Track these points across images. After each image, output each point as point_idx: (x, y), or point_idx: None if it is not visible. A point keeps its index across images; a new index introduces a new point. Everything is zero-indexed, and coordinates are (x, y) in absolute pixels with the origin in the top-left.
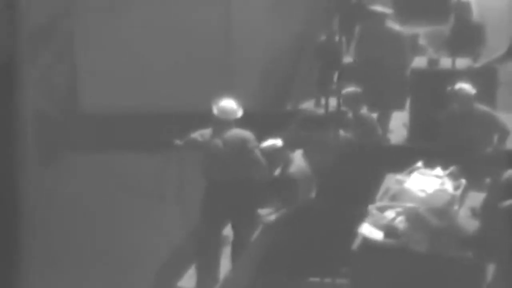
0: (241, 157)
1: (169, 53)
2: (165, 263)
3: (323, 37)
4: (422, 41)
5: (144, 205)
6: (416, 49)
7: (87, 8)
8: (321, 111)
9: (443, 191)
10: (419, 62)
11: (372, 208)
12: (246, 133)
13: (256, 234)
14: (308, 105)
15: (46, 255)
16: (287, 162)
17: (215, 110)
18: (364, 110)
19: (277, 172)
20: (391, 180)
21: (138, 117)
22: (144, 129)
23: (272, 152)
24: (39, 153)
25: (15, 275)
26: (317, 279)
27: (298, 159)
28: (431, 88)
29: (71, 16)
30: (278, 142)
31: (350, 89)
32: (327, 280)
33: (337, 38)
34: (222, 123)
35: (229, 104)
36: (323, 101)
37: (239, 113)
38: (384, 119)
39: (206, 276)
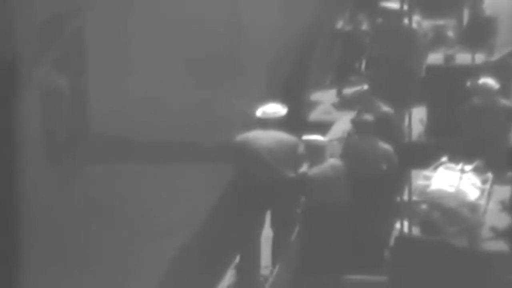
0: (284, 158)
1: (179, 52)
2: (171, 264)
3: (348, 26)
4: (450, 33)
5: (147, 206)
6: (444, 41)
7: (97, 7)
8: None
9: (472, 185)
10: (435, 58)
11: (408, 203)
12: (288, 136)
13: (295, 232)
14: (324, 95)
15: (46, 255)
16: (321, 160)
17: (259, 113)
18: (386, 108)
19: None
20: (417, 176)
21: (144, 116)
22: (148, 131)
23: (313, 147)
24: (42, 156)
25: (15, 275)
26: (356, 277)
27: (332, 159)
28: (447, 84)
29: (80, 16)
30: (321, 139)
31: (357, 88)
32: (366, 277)
33: (363, 27)
34: (266, 124)
35: (273, 107)
36: (344, 91)
37: (282, 113)
38: (399, 116)
39: (246, 278)
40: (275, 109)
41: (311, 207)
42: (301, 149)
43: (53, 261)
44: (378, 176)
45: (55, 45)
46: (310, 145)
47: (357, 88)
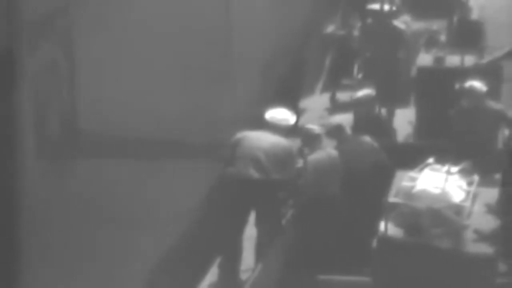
0: (276, 160)
1: (170, 51)
2: (158, 261)
3: (341, 31)
4: (442, 38)
5: (136, 203)
6: (437, 45)
7: (86, 5)
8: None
9: (457, 187)
10: (425, 59)
11: (385, 202)
12: (285, 141)
13: (279, 232)
14: (313, 102)
15: (44, 255)
16: (317, 148)
17: (268, 117)
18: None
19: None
20: (403, 177)
21: (134, 114)
22: (142, 131)
23: (309, 135)
24: (33, 153)
25: (14, 275)
26: (339, 278)
27: (328, 150)
28: (437, 86)
29: (70, 11)
30: (318, 128)
31: (364, 92)
32: (349, 278)
33: (355, 32)
34: (272, 130)
35: (281, 112)
36: (338, 95)
37: (292, 121)
38: (388, 117)
39: (229, 277)
40: (285, 115)
41: (303, 202)
42: (296, 155)
43: (44, 257)
44: (368, 172)
45: (44, 43)
46: (307, 133)
47: (365, 93)
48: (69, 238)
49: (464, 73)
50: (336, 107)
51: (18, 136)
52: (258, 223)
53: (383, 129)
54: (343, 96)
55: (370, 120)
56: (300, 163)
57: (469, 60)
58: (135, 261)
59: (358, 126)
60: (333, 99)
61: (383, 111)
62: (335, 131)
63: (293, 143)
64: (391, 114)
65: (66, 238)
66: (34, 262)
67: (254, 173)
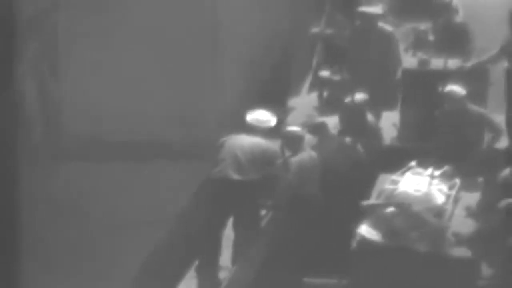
0: (256, 161)
1: (155, 55)
2: (141, 264)
3: (328, 30)
4: (431, 37)
5: (129, 209)
6: (425, 45)
7: (74, 4)
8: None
9: (438, 190)
10: (410, 62)
11: (371, 206)
12: (269, 143)
13: (257, 233)
14: (301, 101)
15: (42, 256)
16: (299, 149)
17: (248, 118)
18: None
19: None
20: (385, 181)
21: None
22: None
23: (291, 137)
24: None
25: (13, 276)
26: (317, 280)
27: (308, 150)
28: (422, 89)
29: (58, 11)
30: (300, 130)
31: (358, 96)
32: (327, 280)
33: (342, 31)
34: (254, 131)
35: (262, 114)
36: (325, 93)
37: (272, 123)
38: (375, 119)
39: (206, 278)
40: (266, 117)
41: (282, 203)
42: (276, 156)
43: (31, 256)
44: (347, 173)
45: (30, 45)
46: (288, 135)
47: (359, 96)
48: (59, 239)
49: (448, 76)
50: (324, 105)
51: (19, 137)
52: (236, 223)
53: (370, 131)
54: (332, 94)
55: (357, 122)
56: (280, 163)
57: (454, 63)
58: (127, 261)
59: (344, 127)
60: (321, 98)
61: (371, 113)
62: (318, 128)
63: (274, 144)
64: (377, 116)
65: (55, 239)
66: (30, 263)
67: (232, 174)
